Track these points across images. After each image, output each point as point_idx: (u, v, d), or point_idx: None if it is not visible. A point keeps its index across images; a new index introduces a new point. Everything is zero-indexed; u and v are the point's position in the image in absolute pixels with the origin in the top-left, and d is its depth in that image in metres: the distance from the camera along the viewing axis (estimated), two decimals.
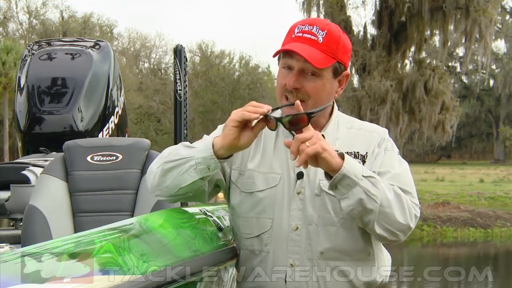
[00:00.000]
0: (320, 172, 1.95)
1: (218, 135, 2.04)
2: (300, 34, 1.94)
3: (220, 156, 1.85)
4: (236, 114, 1.81)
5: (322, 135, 1.96)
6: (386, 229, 1.86)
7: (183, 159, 1.88)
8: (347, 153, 1.98)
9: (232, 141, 1.82)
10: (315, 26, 1.94)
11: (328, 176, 1.84)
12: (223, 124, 2.11)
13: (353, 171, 1.81)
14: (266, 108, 1.81)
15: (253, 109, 1.81)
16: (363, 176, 1.82)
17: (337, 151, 1.84)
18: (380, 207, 1.83)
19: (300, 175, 1.98)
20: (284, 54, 1.96)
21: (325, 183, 1.93)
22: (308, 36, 1.93)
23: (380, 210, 1.83)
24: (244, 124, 1.82)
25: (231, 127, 1.82)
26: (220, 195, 2.18)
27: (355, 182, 1.81)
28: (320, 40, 1.92)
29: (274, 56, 1.99)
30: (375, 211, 1.83)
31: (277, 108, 1.92)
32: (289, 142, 1.80)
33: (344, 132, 2.04)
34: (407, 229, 1.89)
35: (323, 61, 1.92)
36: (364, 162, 1.98)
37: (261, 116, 1.81)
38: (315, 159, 1.78)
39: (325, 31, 1.93)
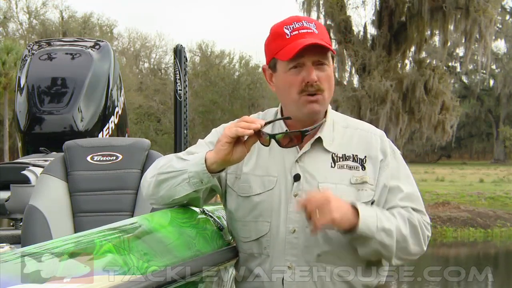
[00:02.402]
0: (318, 174, 1.95)
1: (213, 141, 2.03)
2: (296, 32, 1.91)
3: (213, 170, 1.87)
4: (230, 130, 1.82)
5: (319, 137, 1.96)
6: (401, 259, 1.95)
7: (176, 172, 1.91)
8: (345, 156, 1.97)
9: (225, 156, 1.84)
10: (303, 21, 1.94)
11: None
12: (217, 128, 2.11)
13: (368, 227, 1.85)
14: (259, 123, 1.82)
15: (246, 125, 1.82)
16: (377, 227, 1.86)
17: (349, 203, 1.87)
18: (397, 244, 1.90)
19: (297, 177, 1.96)
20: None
21: (323, 186, 1.93)
22: (305, 31, 1.91)
23: (396, 246, 1.90)
24: (237, 139, 1.83)
25: (224, 142, 1.83)
26: None
27: (370, 237, 1.86)
28: (316, 32, 1.93)
29: (290, 58, 1.89)
30: (392, 254, 1.91)
31: (269, 122, 1.92)
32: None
33: (340, 132, 2.01)
34: (420, 254, 1.97)
35: (330, 48, 1.93)
36: (363, 166, 1.96)
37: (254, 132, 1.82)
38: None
39: (313, 23, 1.95)
